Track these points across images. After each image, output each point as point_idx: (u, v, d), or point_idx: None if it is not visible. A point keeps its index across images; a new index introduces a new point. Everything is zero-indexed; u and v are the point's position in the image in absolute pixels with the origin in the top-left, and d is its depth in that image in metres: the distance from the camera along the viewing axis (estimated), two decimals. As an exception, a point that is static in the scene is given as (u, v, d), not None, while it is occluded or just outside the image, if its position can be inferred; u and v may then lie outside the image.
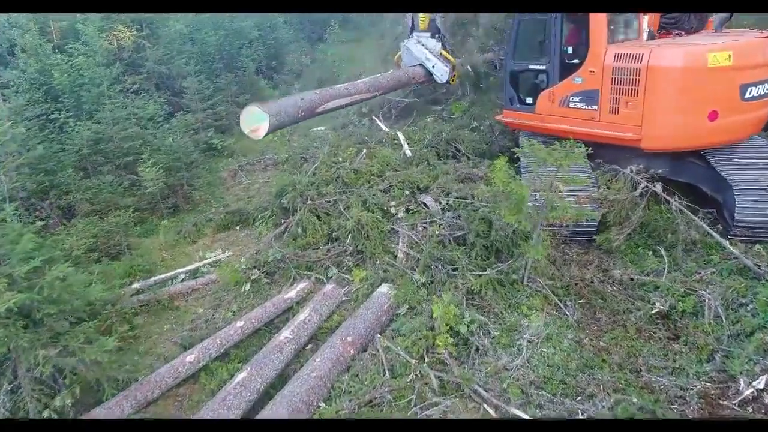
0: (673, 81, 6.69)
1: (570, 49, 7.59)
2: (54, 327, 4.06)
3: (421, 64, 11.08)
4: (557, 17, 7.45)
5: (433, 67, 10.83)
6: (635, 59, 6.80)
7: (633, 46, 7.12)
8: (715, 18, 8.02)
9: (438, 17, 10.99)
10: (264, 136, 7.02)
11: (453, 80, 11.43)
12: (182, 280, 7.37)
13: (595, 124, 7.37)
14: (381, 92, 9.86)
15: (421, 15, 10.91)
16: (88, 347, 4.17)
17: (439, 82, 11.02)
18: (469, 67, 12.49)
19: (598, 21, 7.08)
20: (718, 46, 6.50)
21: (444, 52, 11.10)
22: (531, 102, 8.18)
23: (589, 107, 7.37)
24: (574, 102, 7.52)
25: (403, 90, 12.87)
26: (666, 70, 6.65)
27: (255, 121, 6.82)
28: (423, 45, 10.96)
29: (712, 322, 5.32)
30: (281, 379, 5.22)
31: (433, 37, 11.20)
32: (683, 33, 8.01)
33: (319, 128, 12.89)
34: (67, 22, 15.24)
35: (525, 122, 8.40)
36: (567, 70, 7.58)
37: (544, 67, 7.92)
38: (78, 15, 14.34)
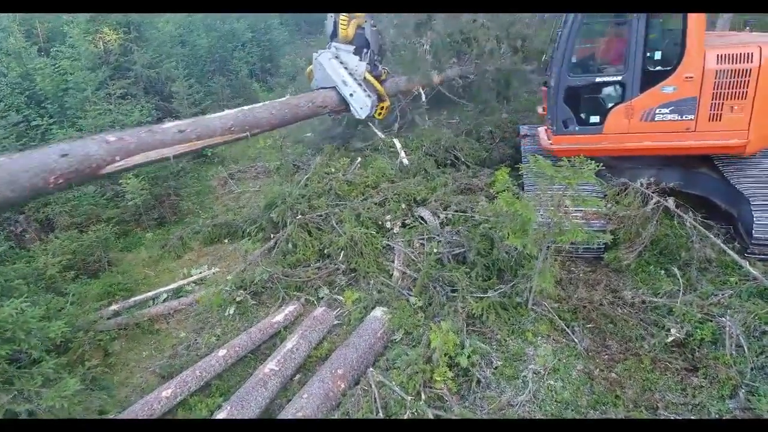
0: None
1: (657, 55, 6.71)
2: (7, 370, 3.61)
3: (336, 88, 8.63)
4: (640, 18, 6.41)
5: (351, 95, 8.36)
6: (744, 59, 6.27)
7: (733, 45, 6.48)
8: None
9: (369, 26, 8.56)
10: None
11: (380, 114, 9.09)
12: (164, 300, 6.93)
13: (690, 136, 6.69)
14: (260, 131, 7.39)
15: (343, 15, 8.42)
16: (47, 391, 3.72)
17: (357, 117, 8.57)
18: (420, 89, 10.19)
19: (698, 21, 6.32)
20: None
21: (369, 76, 8.57)
22: (597, 121, 6.99)
23: (683, 118, 6.63)
24: (662, 114, 6.68)
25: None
26: None
27: None
28: (341, 62, 8.45)
29: (734, 352, 4.90)
30: (266, 417, 4.80)
31: (357, 53, 8.61)
32: None
33: (310, 134, 12.45)
34: (53, 24, 14.80)
35: (588, 146, 6.95)
36: (651, 79, 6.65)
37: (619, 79, 6.77)
38: (65, 16, 13.91)
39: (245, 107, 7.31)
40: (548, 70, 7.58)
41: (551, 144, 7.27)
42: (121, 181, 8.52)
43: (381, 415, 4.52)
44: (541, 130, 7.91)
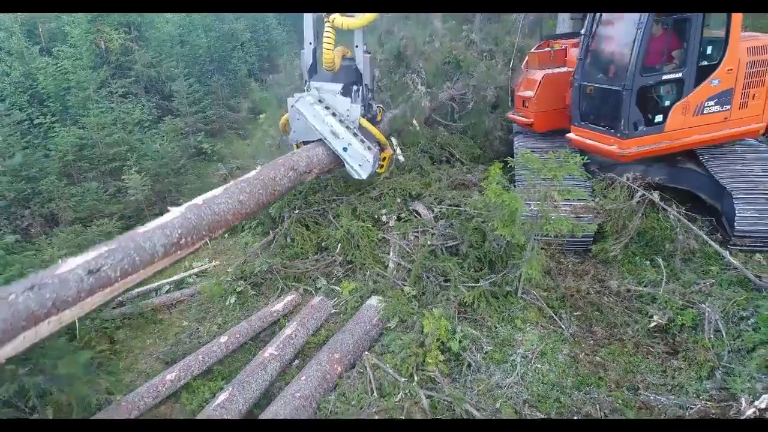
0: None
1: (709, 49, 6.87)
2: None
3: (322, 141, 6.58)
4: (698, 15, 6.51)
5: (345, 150, 6.37)
6: (764, 51, 6.95)
7: (756, 39, 7.05)
8: None
9: (360, 52, 6.63)
10: None
11: (382, 168, 7.28)
12: (167, 291, 7.16)
13: (726, 125, 7.12)
14: (225, 229, 5.13)
15: (327, 41, 6.46)
16: (60, 362, 3.93)
17: (356, 177, 6.64)
18: (414, 123, 8.68)
19: (737, 17, 6.72)
20: None
21: (366, 122, 6.67)
22: (660, 120, 6.94)
23: (723, 108, 7.00)
24: (709, 107, 6.95)
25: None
26: None
27: None
28: (327, 107, 6.47)
29: (712, 337, 5.14)
30: (265, 399, 5.01)
31: (346, 92, 6.62)
32: None
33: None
34: (55, 24, 15.03)
35: (652, 147, 7.01)
36: (702, 74, 6.84)
37: (680, 76, 6.79)
38: (66, 16, 14.13)
39: (198, 200, 4.79)
40: (578, 73, 7.41)
41: (619, 149, 6.93)
42: (123, 177, 8.75)
43: (376, 396, 4.75)
44: (582, 138, 7.48)
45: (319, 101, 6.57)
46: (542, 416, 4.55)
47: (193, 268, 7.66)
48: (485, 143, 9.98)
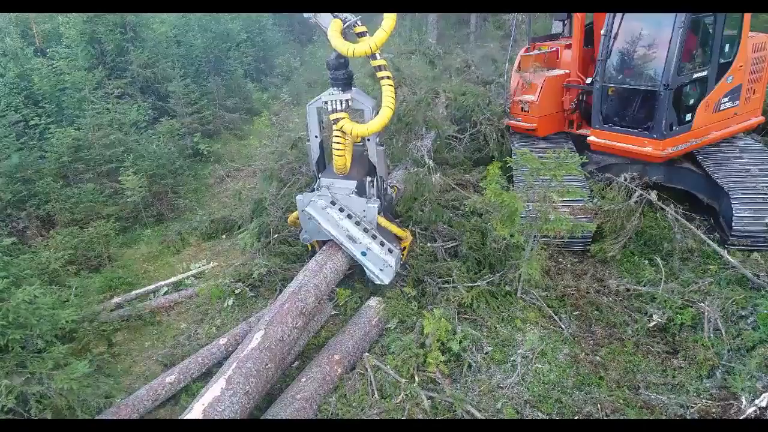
0: None
1: (727, 47, 6.96)
2: (20, 353, 3.79)
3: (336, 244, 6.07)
4: (721, 15, 6.61)
5: (363, 254, 5.88)
6: (764, 47, 7.22)
7: (753, 37, 7.21)
8: None
9: (373, 144, 5.93)
10: None
11: (402, 258, 6.41)
12: (165, 293, 7.10)
13: (735, 120, 7.32)
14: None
15: (338, 147, 5.80)
16: (57, 374, 3.90)
17: (378, 282, 5.99)
18: (394, 188, 7.09)
19: (748, 15, 6.88)
20: None
21: (384, 220, 6.09)
22: (689, 119, 7.04)
23: (734, 104, 7.23)
24: (725, 103, 7.15)
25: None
26: None
27: None
28: (341, 209, 5.93)
29: (711, 335, 5.17)
30: (266, 401, 4.99)
31: (360, 190, 6.07)
32: None
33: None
34: (50, 25, 14.92)
35: (684, 146, 7.05)
36: (720, 72, 6.99)
37: (705, 74, 6.92)
38: (60, 17, 14.04)
39: (197, 412, 3.89)
40: (597, 74, 7.33)
41: (656, 150, 6.91)
42: (120, 178, 8.70)
43: (377, 397, 4.74)
44: (606, 141, 7.44)
45: (332, 203, 5.98)
46: (544, 416, 4.55)
47: (190, 270, 7.62)
48: (483, 144, 9.97)
